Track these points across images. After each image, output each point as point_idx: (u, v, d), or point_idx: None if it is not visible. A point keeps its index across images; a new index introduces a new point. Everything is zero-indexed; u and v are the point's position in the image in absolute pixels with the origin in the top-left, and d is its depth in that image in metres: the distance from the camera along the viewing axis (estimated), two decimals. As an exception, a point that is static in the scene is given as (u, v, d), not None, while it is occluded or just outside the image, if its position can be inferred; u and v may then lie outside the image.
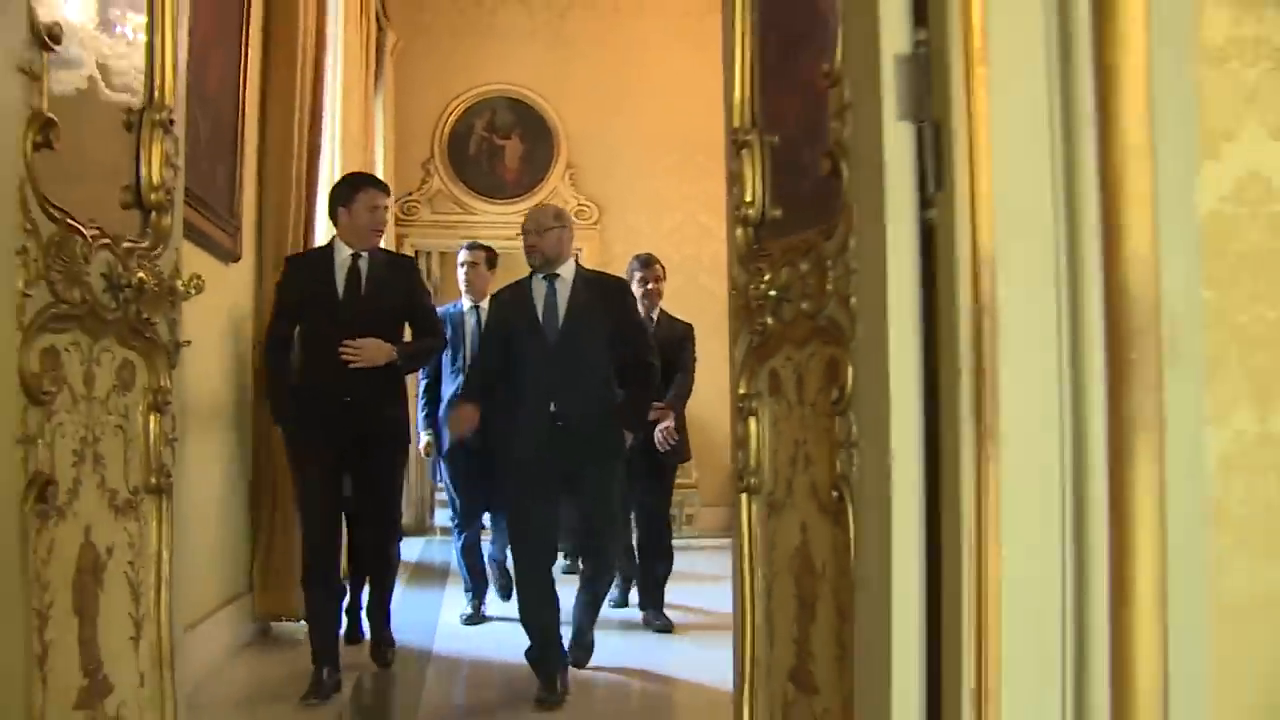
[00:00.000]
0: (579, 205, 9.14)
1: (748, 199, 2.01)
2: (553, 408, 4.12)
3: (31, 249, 1.44)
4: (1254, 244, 1.54)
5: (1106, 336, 1.41)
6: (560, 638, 4.20)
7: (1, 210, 1.37)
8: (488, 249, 5.85)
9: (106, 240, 1.66)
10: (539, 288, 4.28)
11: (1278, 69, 1.56)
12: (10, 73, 1.40)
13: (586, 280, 4.35)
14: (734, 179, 2.05)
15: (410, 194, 9.02)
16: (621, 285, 4.58)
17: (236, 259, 4.73)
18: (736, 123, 2.05)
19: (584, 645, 4.54)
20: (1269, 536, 1.52)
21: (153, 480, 1.88)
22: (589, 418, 4.16)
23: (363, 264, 4.25)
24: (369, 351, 4.14)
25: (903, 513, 1.47)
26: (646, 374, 4.37)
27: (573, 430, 4.11)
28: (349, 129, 6.89)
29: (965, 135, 1.44)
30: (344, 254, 4.26)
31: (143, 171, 1.82)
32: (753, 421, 2.00)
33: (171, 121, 1.88)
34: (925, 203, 1.49)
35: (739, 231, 2.05)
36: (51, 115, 1.48)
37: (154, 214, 1.84)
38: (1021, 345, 1.42)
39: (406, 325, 4.46)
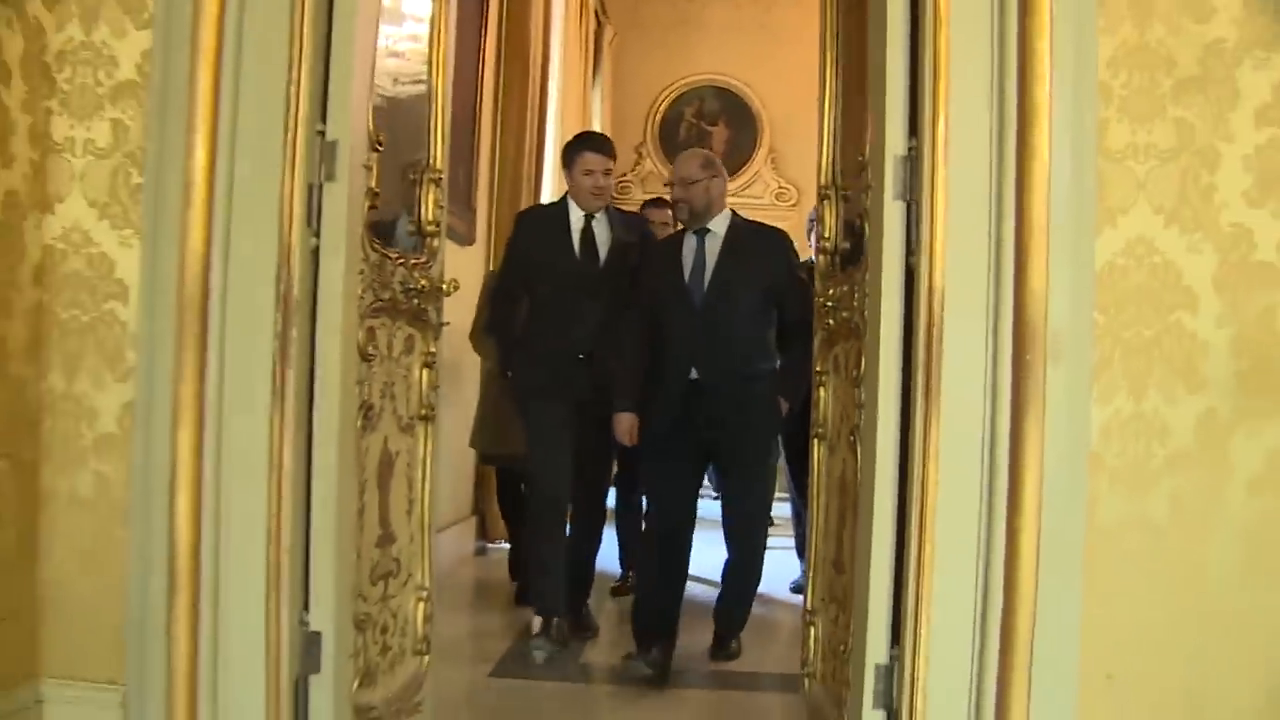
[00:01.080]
0: (780, 188, 9.96)
1: (826, 235, 2.86)
2: (694, 374, 3.83)
3: (365, 270, 2.45)
4: (1137, 284, 2.30)
5: (1013, 344, 2.21)
6: (675, 629, 3.91)
7: (352, 250, 2.38)
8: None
9: (402, 260, 2.66)
10: (688, 243, 3.96)
11: (1161, 165, 2.30)
12: (359, 169, 2.40)
13: (742, 231, 3.98)
14: (820, 218, 2.90)
15: (624, 175, 10.03)
16: (782, 238, 4.08)
17: (471, 243, 5.82)
18: (823, 180, 2.89)
19: (729, 653, 4.11)
20: (1134, 481, 2.30)
21: (422, 412, 2.87)
22: (736, 385, 3.82)
23: (597, 225, 4.23)
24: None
25: (883, 449, 2.32)
26: (805, 335, 3.58)
27: (717, 399, 3.80)
28: (566, 116, 7.93)
29: (929, 212, 2.26)
30: (577, 214, 4.25)
31: (422, 212, 2.81)
32: (822, 390, 2.86)
33: (440, 177, 2.87)
34: (909, 252, 2.32)
35: (821, 257, 2.90)
36: (376, 189, 2.48)
37: (429, 240, 2.84)
38: (957, 348, 2.24)
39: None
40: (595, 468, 4.30)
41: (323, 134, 2.40)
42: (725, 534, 3.98)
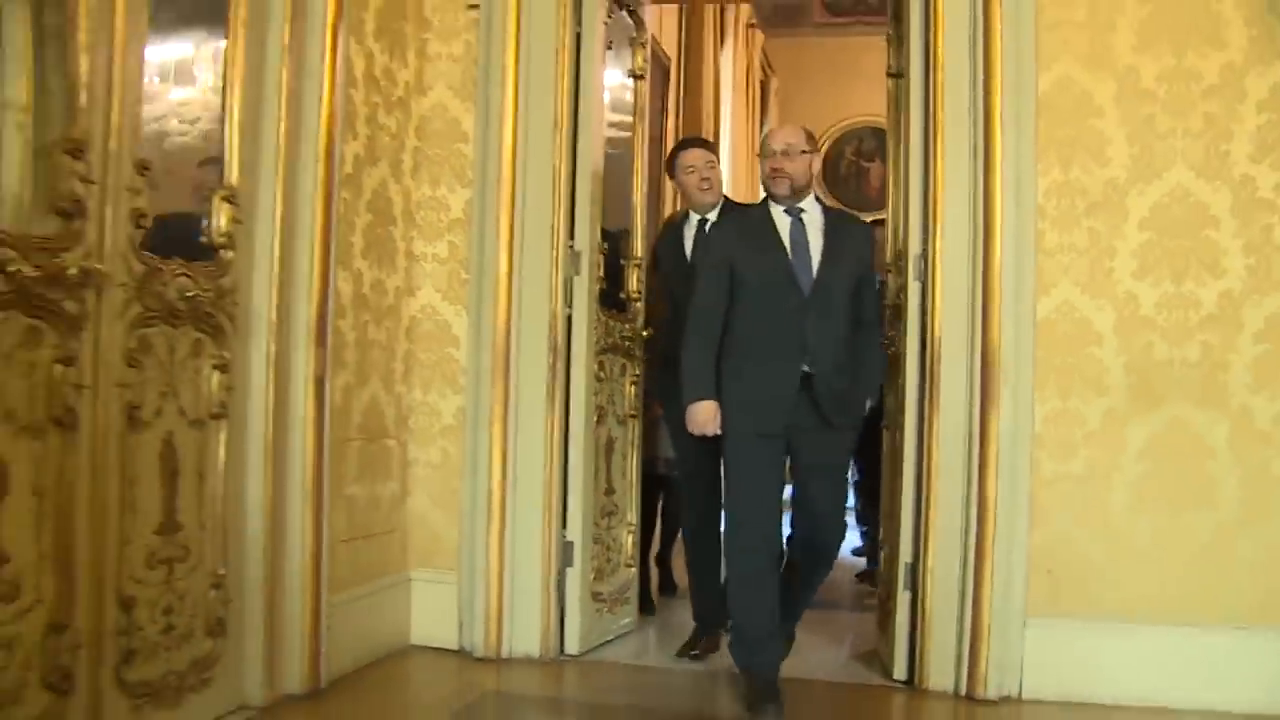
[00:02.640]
0: (929, 217, 11.23)
1: (888, 299, 4.36)
2: (806, 369, 3.51)
3: (597, 327, 4.13)
4: (1063, 332, 3.74)
5: (981, 369, 3.69)
6: (778, 645, 3.66)
7: (591, 317, 4.07)
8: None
9: (615, 319, 4.35)
10: (782, 221, 3.64)
11: (1079, 257, 3.73)
12: (593, 265, 4.09)
13: (833, 217, 3.73)
14: (898, 269, 4.38)
15: (790, 209, 11.46)
16: (870, 231, 3.87)
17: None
18: (900, 245, 4.37)
19: (789, 635, 3.87)
20: (1062, 451, 3.73)
21: (631, 412, 4.52)
22: (844, 380, 3.56)
23: (709, 227, 4.28)
24: None
25: (909, 433, 3.83)
26: (879, 330, 3.83)
27: (828, 394, 3.53)
28: (737, 163, 9.49)
29: (934, 289, 3.76)
30: (692, 220, 4.39)
31: (627, 286, 4.49)
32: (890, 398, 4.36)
33: (639, 262, 4.52)
34: (923, 312, 3.82)
35: (889, 309, 4.40)
36: (603, 276, 4.17)
37: (633, 303, 4.50)
38: (950, 371, 3.73)
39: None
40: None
41: (571, 246, 4.09)
42: (807, 535, 3.72)
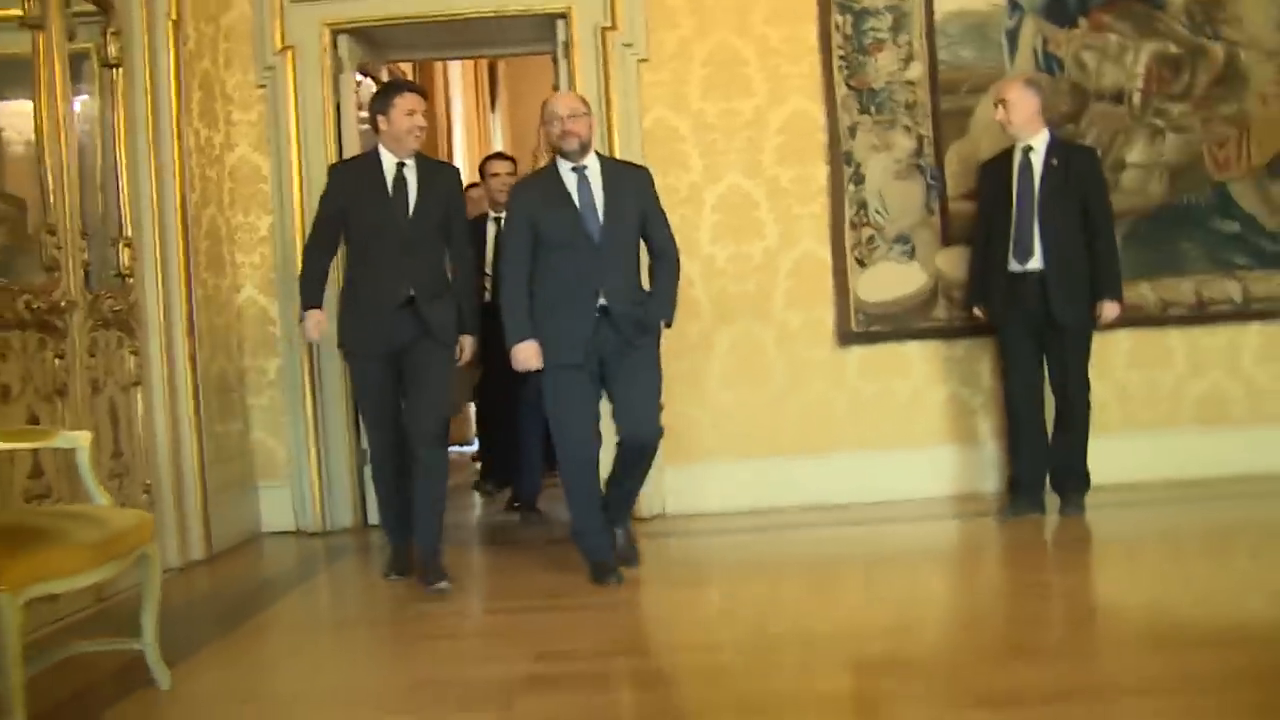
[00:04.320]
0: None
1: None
2: (603, 302, 4.15)
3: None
4: (673, 280, 5.92)
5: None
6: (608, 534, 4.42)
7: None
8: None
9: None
10: (570, 179, 4.24)
11: (677, 234, 5.91)
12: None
13: (609, 167, 4.37)
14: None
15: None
16: (644, 171, 4.50)
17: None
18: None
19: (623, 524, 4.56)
20: (675, 357, 5.92)
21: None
22: (636, 310, 4.22)
23: (408, 171, 4.39)
24: (467, 354, 4.65)
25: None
26: (672, 256, 4.40)
27: (625, 323, 4.17)
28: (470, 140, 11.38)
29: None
30: (389, 161, 4.39)
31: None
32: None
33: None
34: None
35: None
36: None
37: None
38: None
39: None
40: (425, 404, 4.53)
41: (348, 249, 5.97)
42: (629, 438, 4.28)
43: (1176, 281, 5.89)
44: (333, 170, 4.78)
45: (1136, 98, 5.90)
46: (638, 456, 4.34)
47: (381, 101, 4.43)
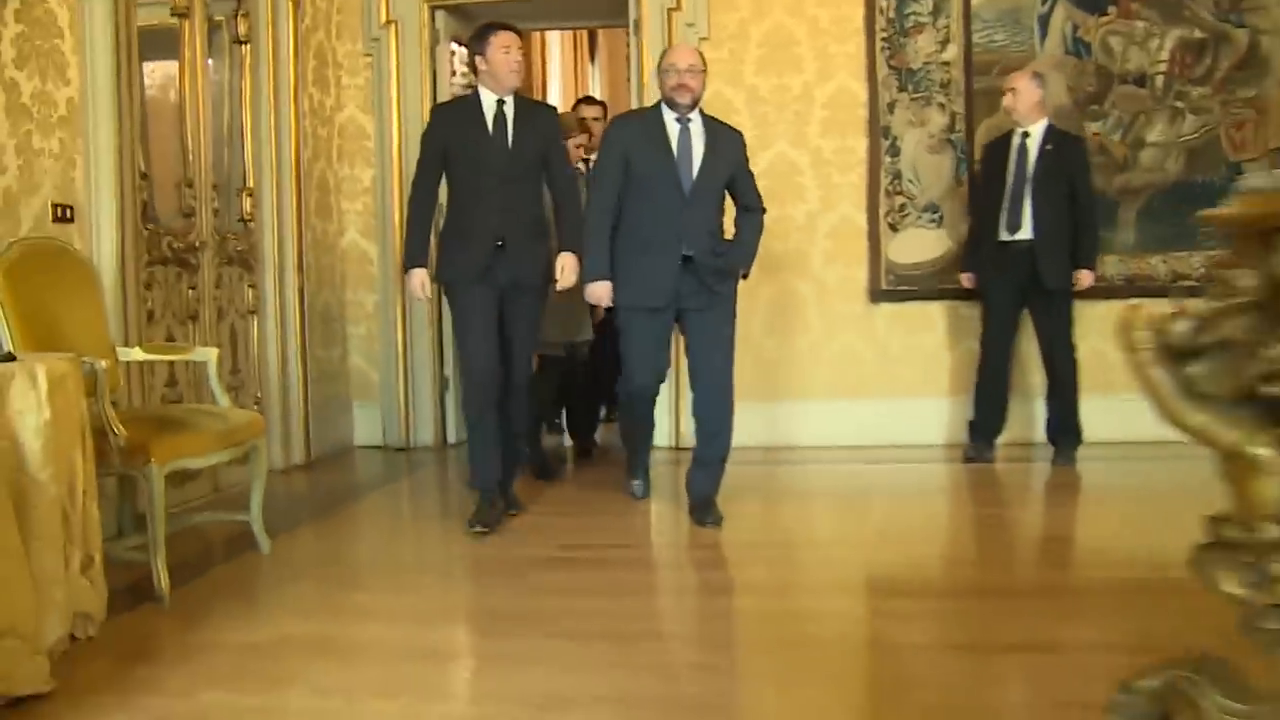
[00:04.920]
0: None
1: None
2: (686, 252, 4.31)
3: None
4: (722, 238, 6.63)
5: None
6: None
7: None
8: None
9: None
10: (673, 129, 4.38)
11: (728, 196, 6.60)
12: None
13: (711, 125, 4.49)
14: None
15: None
16: (739, 135, 4.65)
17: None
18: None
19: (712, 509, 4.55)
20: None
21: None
22: (717, 260, 4.39)
23: (507, 108, 4.42)
24: (568, 275, 4.46)
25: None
26: (760, 217, 4.59)
27: (706, 271, 4.34)
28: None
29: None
30: (489, 99, 4.42)
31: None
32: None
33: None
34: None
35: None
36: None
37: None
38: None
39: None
40: (520, 343, 4.64)
41: (438, 201, 6.81)
42: (702, 408, 4.57)
43: (1187, 255, 6.38)
44: (435, 110, 4.94)
45: (1159, 81, 6.37)
46: (709, 435, 4.55)
47: (478, 42, 4.45)
